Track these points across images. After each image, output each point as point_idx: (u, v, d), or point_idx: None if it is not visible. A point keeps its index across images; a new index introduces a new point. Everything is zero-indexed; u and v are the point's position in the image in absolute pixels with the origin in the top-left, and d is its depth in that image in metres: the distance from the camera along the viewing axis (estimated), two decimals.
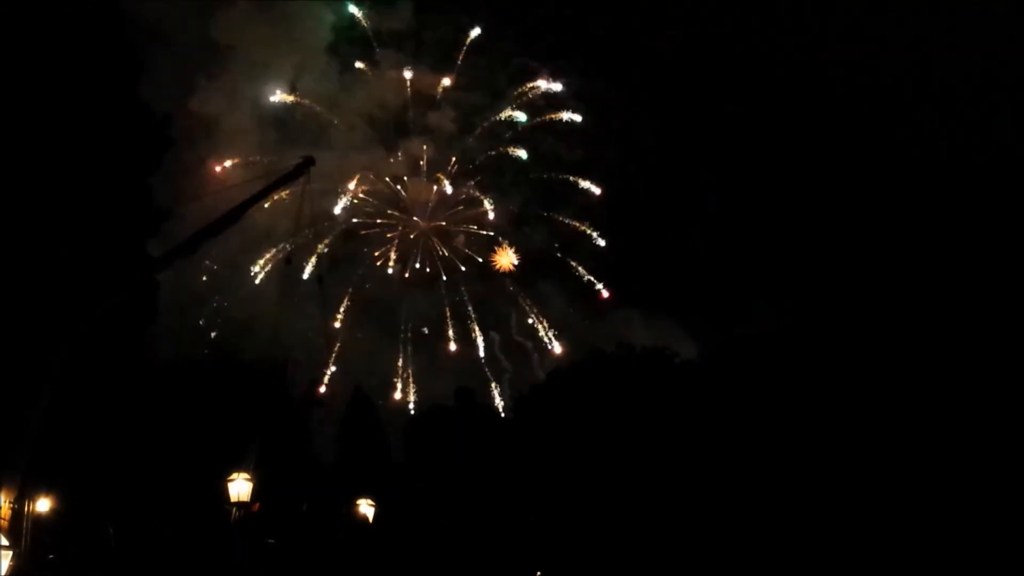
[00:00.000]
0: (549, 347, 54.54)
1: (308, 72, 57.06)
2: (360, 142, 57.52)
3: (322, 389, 50.99)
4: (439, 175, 56.95)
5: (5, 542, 21.38)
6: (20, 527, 22.00)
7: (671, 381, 48.40)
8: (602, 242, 56.48)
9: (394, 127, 59.12)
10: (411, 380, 54.33)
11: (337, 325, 53.95)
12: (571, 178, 57.63)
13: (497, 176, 58.93)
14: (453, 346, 54.46)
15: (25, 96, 25.19)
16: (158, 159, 30.68)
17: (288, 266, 29.33)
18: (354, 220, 56.57)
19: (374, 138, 58.11)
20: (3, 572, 21.14)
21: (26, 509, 22.51)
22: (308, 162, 24.89)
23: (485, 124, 58.63)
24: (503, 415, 53.03)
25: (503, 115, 57.11)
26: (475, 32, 55.61)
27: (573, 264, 56.99)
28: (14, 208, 24.81)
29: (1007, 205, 45.38)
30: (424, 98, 59.06)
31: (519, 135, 58.47)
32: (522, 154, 57.53)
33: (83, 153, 26.44)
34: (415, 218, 56.50)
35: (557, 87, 56.46)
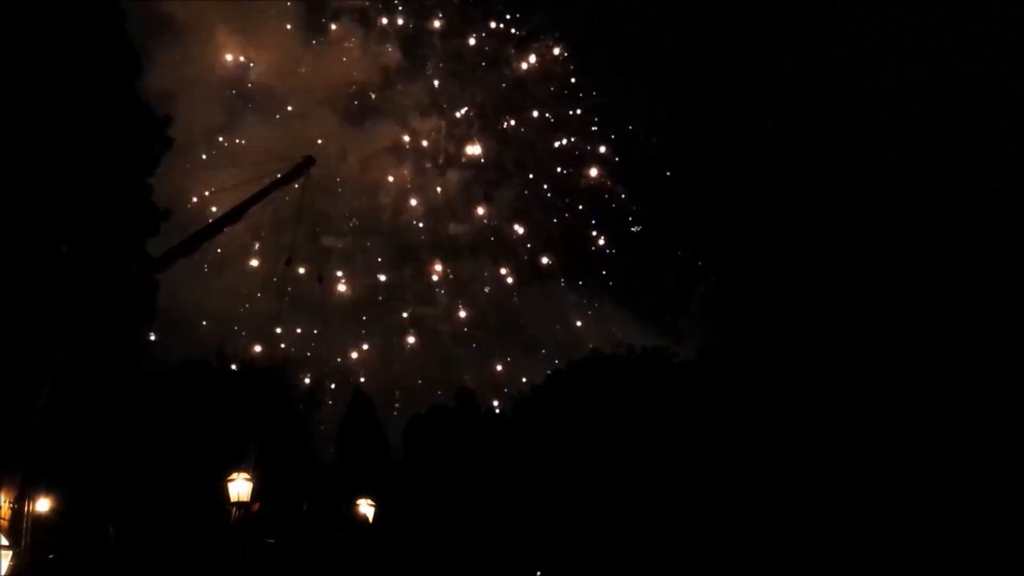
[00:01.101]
0: None
1: (266, 48, 56.08)
2: (323, 120, 56.90)
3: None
4: None
5: (5, 542, 21.35)
6: (20, 527, 21.97)
7: (671, 381, 48.36)
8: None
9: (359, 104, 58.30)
10: None
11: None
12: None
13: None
14: None
15: (24, 94, 25.12)
16: (158, 159, 30.60)
17: (287, 267, 29.29)
18: None
19: (338, 115, 57.53)
20: (3, 572, 21.11)
21: (26, 509, 22.47)
22: (308, 162, 24.92)
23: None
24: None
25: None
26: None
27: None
28: (13, 208, 24.73)
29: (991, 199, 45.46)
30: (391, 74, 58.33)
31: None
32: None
33: (83, 152, 26.36)
34: None
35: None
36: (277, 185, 24.59)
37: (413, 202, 58.18)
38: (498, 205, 60.73)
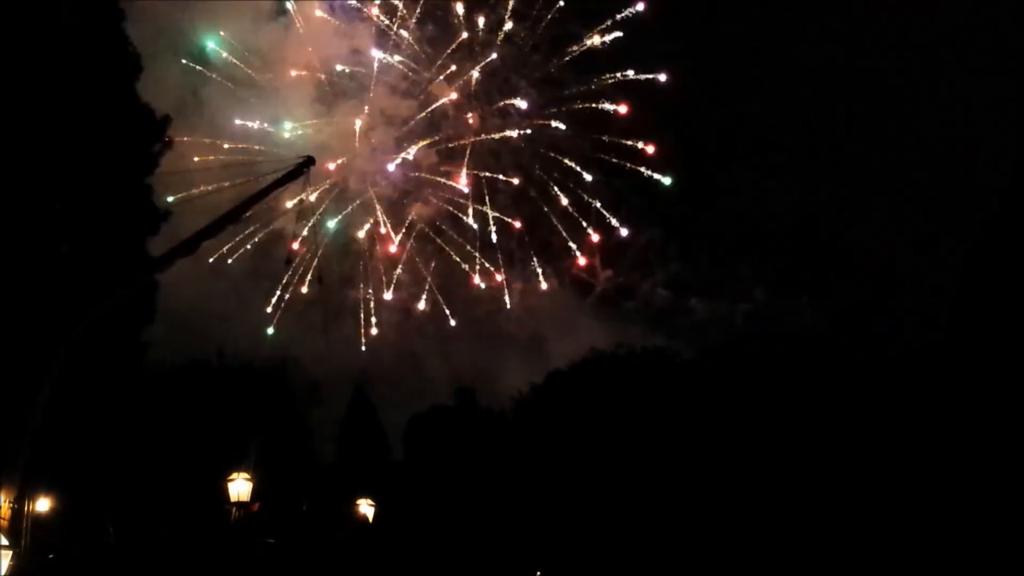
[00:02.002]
0: None
1: (232, 25, 54.80)
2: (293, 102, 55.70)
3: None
4: None
5: (5, 542, 21.37)
6: (20, 527, 21.99)
7: (671, 381, 48.35)
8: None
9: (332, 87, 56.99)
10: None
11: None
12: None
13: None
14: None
15: (24, 94, 25.13)
16: (158, 159, 30.62)
17: (288, 265, 29.26)
18: None
19: (309, 98, 56.44)
20: (3, 572, 21.12)
21: (26, 509, 22.49)
22: (308, 162, 24.93)
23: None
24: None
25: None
26: None
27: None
28: (13, 207, 24.75)
29: None
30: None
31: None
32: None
33: (82, 152, 26.38)
34: None
35: None
36: (277, 185, 24.58)
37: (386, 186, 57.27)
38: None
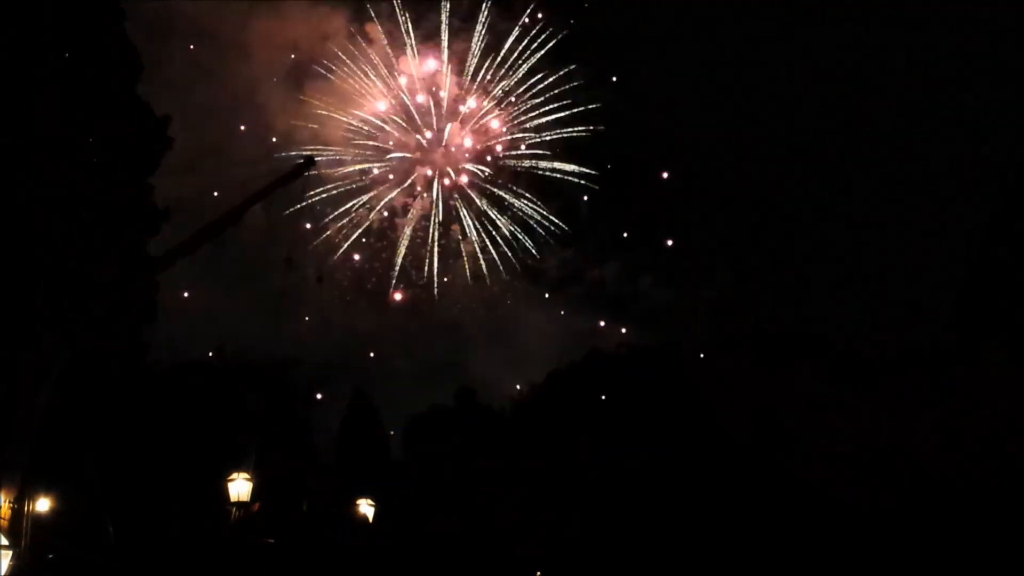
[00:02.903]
0: None
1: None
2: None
3: None
4: None
5: (5, 542, 21.37)
6: (20, 527, 21.99)
7: (671, 381, 48.35)
8: None
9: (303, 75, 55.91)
10: None
11: None
12: None
13: None
14: None
15: (24, 94, 25.12)
16: (158, 159, 30.57)
17: (288, 265, 29.24)
18: None
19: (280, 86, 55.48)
20: (3, 572, 21.13)
21: (26, 509, 22.50)
22: (309, 162, 25.03)
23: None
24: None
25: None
26: None
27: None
28: (13, 207, 24.74)
29: None
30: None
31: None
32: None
33: (82, 152, 26.39)
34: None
35: None
36: (277, 185, 24.69)
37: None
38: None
